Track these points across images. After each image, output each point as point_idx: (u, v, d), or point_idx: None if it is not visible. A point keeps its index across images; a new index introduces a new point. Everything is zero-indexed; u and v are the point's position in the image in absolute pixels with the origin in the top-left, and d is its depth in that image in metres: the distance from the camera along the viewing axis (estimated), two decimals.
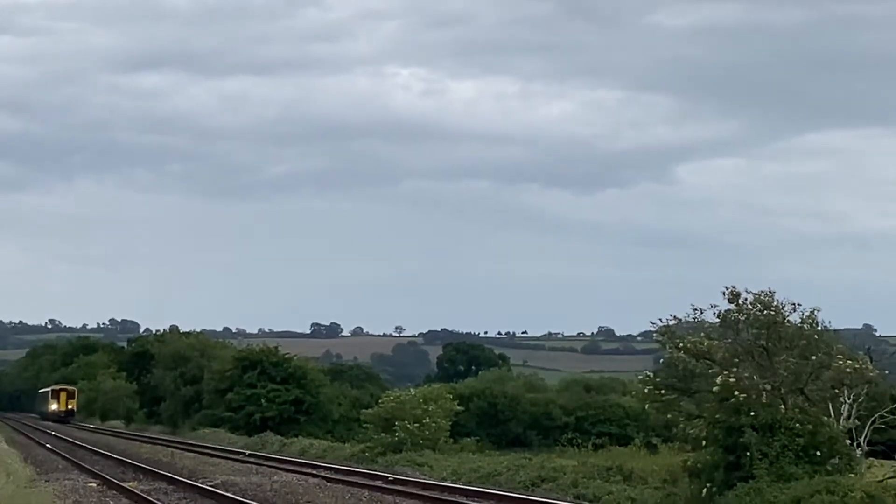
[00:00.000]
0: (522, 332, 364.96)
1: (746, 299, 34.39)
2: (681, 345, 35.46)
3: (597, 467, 40.87)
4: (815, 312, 34.53)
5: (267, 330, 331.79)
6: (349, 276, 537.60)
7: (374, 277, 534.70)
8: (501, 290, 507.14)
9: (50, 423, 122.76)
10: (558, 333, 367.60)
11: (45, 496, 31.14)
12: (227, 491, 33.77)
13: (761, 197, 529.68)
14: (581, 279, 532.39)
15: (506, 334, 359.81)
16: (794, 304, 34.37)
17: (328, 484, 38.68)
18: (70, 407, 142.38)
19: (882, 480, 29.91)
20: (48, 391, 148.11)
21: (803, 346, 33.66)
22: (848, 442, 32.00)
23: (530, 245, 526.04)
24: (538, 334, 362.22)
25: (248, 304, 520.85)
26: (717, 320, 35.65)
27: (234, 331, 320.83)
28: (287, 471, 45.58)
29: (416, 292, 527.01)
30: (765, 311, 34.04)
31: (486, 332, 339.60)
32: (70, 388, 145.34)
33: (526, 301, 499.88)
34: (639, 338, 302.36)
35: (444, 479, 42.15)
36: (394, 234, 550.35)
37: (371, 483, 38.61)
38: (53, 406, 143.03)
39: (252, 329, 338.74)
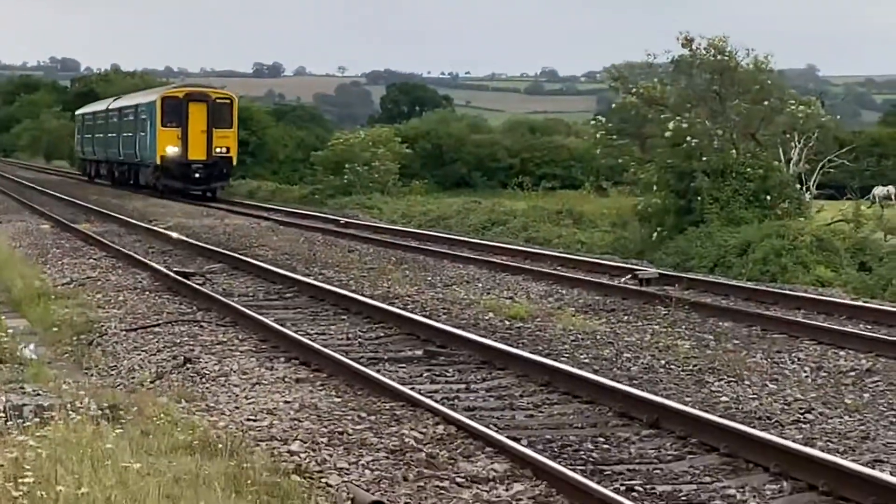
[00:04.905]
0: (466, 73, 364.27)
1: (700, 44, 34.45)
2: (633, 90, 35.62)
3: (546, 210, 41.20)
4: (768, 57, 34.73)
5: (209, 69, 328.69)
6: (291, 14, 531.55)
7: (317, 16, 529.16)
8: (445, 30, 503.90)
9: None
10: (502, 74, 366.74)
11: (1, 238, 31.17)
12: (180, 233, 33.83)
13: None
14: (524, 19, 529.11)
15: (449, 75, 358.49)
16: (747, 50, 34.54)
17: (280, 227, 38.84)
18: (222, 150, 55.03)
19: (830, 223, 30.46)
20: (161, 99, 56.10)
21: (756, 91, 33.87)
22: (798, 186, 32.48)
23: None
24: (481, 75, 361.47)
25: (189, 44, 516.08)
26: (671, 64, 35.81)
27: (175, 70, 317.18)
28: (238, 213, 45.71)
29: (360, 32, 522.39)
30: (718, 56, 34.14)
31: (429, 73, 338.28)
32: (223, 95, 57.32)
33: (469, 41, 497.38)
34: (582, 78, 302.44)
35: (394, 223, 42.46)
36: None
37: (323, 227, 38.79)
38: (171, 150, 54.46)
39: (194, 69, 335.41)
